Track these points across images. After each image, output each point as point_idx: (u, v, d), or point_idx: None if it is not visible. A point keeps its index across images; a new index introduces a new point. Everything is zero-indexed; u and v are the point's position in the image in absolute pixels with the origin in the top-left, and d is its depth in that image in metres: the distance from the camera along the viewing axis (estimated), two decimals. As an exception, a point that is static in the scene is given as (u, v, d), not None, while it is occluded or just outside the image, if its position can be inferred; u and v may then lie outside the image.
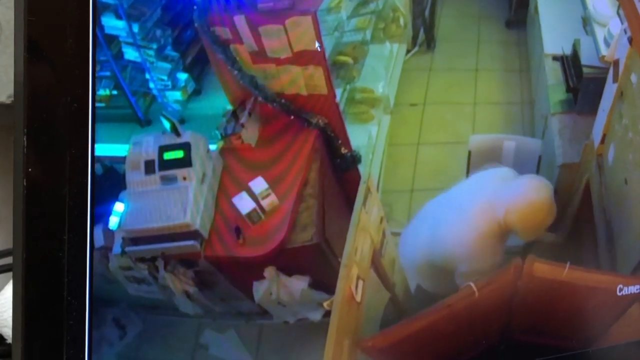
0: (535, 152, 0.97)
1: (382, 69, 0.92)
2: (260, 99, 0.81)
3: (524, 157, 0.96)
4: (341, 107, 0.87)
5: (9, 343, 0.99)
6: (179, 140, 0.77)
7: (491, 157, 0.95)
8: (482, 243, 0.91)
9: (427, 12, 0.95)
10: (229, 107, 0.81)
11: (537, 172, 0.98)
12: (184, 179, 0.76)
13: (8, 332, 0.99)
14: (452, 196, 0.91)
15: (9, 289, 1.01)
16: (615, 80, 0.97)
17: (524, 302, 0.92)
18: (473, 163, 0.95)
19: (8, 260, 1.07)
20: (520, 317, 0.93)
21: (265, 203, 0.79)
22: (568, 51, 1.00)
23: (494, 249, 0.91)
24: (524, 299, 0.91)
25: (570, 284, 0.92)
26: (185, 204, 0.76)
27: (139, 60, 0.76)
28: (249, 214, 0.79)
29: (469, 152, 0.94)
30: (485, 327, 0.91)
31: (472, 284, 0.87)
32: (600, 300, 0.96)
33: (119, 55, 0.75)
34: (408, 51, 0.96)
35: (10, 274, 0.91)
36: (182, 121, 0.78)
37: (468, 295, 0.87)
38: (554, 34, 1.00)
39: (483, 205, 0.90)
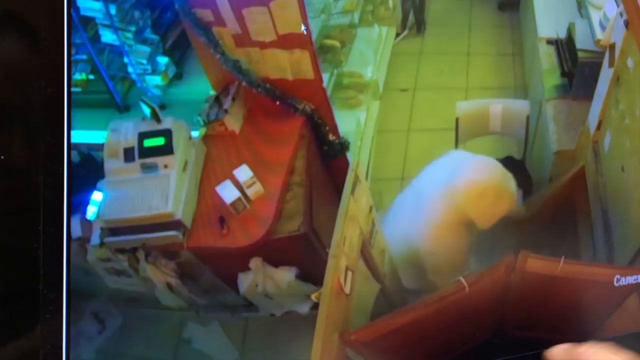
0: (522, 112, 0.97)
1: (371, 53, 0.91)
2: (244, 83, 0.79)
3: (511, 119, 0.95)
4: (328, 92, 0.85)
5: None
6: (159, 127, 0.75)
7: (479, 121, 0.93)
8: (444, 234, 0.90)
9: (417, -6, 0.94)
10: (212, 93, 0.79)
11: (527, 132, 0.97)
12: (165, 167, 0.74)
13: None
14: (414, 189, 0.89)
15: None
16: (611, 64, 0.95)
17: (518, 297, 0.90)
18: (461, 129, 0.94)
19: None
20: (514, 312, 0.91)
21: (250, 192, 0.77)
22: (563, 35, 0.99)
23: (458, 240, 0.90)
24: (518, 294, 0.90)
25: (565, 278, 0.90)
26: (166, 192, 0.74)
27: (116, 43, 0.74)
28: (233, 203, 0.77)
29: (457, 119, 0.93)
30: (477, 322, 0.90)
31: (462, 279, 0.86)
32: (597, 293, 0.94)
33: (96, 38, 0.73)
34: (397, 34, 0.94)
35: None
36: (162, 107, 0.76)
37: (458, 290, 0.85)
38: (548, 17, 0.99)
39: (438, 194, 0.89)
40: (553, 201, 0.98)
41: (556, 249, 0.97)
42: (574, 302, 0.94)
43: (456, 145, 0.92)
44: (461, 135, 0.92)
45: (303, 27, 0.79)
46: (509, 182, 0.90)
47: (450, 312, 0.87)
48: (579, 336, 0.95)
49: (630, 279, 0.97)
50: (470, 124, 0.92)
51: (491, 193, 0.89)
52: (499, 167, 0.90)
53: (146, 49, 0.76)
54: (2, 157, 0.62)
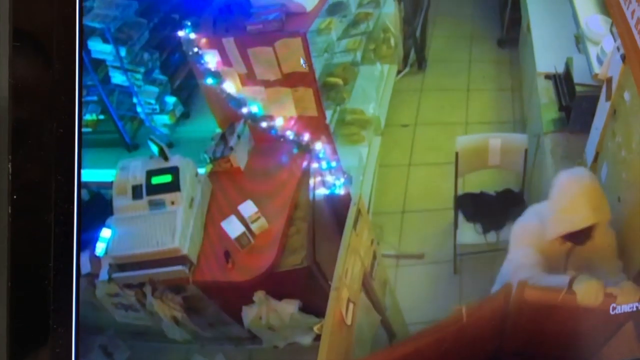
0: (521, 146, 0.97)
1: (373, 90, 0.92)
2: (249, 121, 0.80)
3: (510, 152, 0.96)
4: (331, 128, 0.86)
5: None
6: (167, 165, 0.76)
7: (478, 155, 0.94)
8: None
9: (418, 33, 0.95)
10: (218, 130, 0.81)
11: (525, 164, 0.98)
12: (172, 203, 0.76)
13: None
14: None
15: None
16: (608, 98, 0.97)
17: (516, 325, 0.91)
18: (461, 163, 0.94)
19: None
20: (511, 340, 0.92)
21: (254, 227, 0.79)
22: (561, 69, 1.00)
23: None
24: (516, 322, 0.91)
25: (562, 306, 0.91)
26: (173, 228, 0.75)
27: (126, 84, 0.76)
28: (238, 238, 0.78)
29: (457, 153, 0.94)
30: (475, 351, 0.91)
31: (462, 309, 0.87)
32: (593, 320, 0.95)
33: (106, 79, 0.75)
34: (399, 72, 0.95)
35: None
36: (170, 145, 0.77)
37: (457, 320, 0.87)
38: (546, 53, 1.00)
39: None
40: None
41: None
42: (570, 330, 0.95)
43: (455, 179, 0.94)
44: (461, 169, 0.93)
45: (302, 61, 0.80)
46: (593, 195, 0.91)
47: (449, 341, 0.88)
48: (576, 363, 0.97)
49: (626, 308, 0.98)
50: (470, 157, 0.93)
51: (567, 193, 0.90)
52: (588, 178, 0.91)
53: (155, 90, 0.77)
54: (15, 196, 0.64)
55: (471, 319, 0.87)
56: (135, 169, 0.75)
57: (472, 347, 0.91)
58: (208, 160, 0.79)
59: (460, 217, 0.93)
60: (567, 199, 0.90)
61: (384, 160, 0.92)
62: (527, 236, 0.90)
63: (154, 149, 0.76)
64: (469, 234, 0.94)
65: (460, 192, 0.94)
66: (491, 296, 0.91)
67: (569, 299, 0.92)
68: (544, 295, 0.91)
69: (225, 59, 0.77)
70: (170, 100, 0.78)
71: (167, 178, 0.76)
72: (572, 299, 0.92)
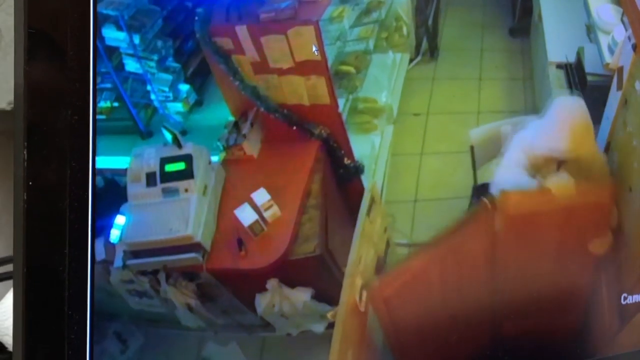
0: None
1: (385, 79, 0.92)
2: (262, 109, 0.81)
3: None
4: (344, 117, 0.86)
5: (10, 351, 0.99)
6: (180, 152, 0.76)
7: (493, 145, 0.94)
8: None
9: (430, 21, 0.95)
10: (231, 118, 0.81)
11: None
12: (186, 191, 0.76)
13: (9, 341, 0.99)
14: None
15: (10, 296, 1.01)
16: (619, 87, 0.97)
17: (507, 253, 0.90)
18: (477, 157, 0.94)
19: (9, 267, 1.06)
20: (505, 276, 0.91)
21: (267, 214, 0.79)
22: (572, 59, 1.00)
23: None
24: (506, 247, 0.90)
25: (555, 212, 0.91)
26: (187, 216, 0.75)
27: (140, 71, 0.76)
28: (251, 226, 0.78)
29: (472, 147, 0.94)
30: (471, 288, 0.89)
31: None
32: (590, 220, 0.94)
33: (120, 66, 0.75)
34: (411, 60, 0.95)
35: (12, 281, 0.90)
36: (183, 133, 0.77)
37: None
38: (557, 42, 1.00)
39: None
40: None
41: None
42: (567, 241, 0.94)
43: (474, 172, 0.94)
44: (478, 160, 0.93)
45: (314, 48, 0.80)
46: (579, 128, 0.92)
47: (448, 264, 0.87)
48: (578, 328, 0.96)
49: (637, 297, 0.98)
50: (485, 148, 0.93)
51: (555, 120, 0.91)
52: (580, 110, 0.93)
53: (168, 77, 0.77)
54: (31, 182, 0.64)
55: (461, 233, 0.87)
56: (149, 156, 0.75)
57: (468, 281, 0.90)
58: (221, 148, 0.79)
59: (475, 207, 0.93)
60: (555, 125, 0.91)
61: (397, 149, 0.91)
62: (521, 143, 0.91)
63: (168, 136, 0.76)
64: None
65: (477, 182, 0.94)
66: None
67: (546, 196, 0.91)
68: (523, 198, 0.91)
69: (239, 47, 0.77)
70: (184, 88, 0.78)
71: (180, 165, 0.76)
72: (549, 196, 0.92)
